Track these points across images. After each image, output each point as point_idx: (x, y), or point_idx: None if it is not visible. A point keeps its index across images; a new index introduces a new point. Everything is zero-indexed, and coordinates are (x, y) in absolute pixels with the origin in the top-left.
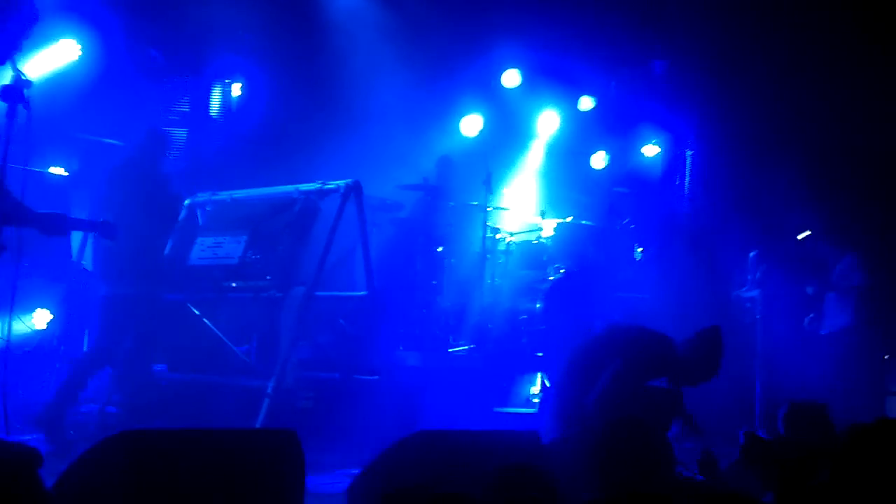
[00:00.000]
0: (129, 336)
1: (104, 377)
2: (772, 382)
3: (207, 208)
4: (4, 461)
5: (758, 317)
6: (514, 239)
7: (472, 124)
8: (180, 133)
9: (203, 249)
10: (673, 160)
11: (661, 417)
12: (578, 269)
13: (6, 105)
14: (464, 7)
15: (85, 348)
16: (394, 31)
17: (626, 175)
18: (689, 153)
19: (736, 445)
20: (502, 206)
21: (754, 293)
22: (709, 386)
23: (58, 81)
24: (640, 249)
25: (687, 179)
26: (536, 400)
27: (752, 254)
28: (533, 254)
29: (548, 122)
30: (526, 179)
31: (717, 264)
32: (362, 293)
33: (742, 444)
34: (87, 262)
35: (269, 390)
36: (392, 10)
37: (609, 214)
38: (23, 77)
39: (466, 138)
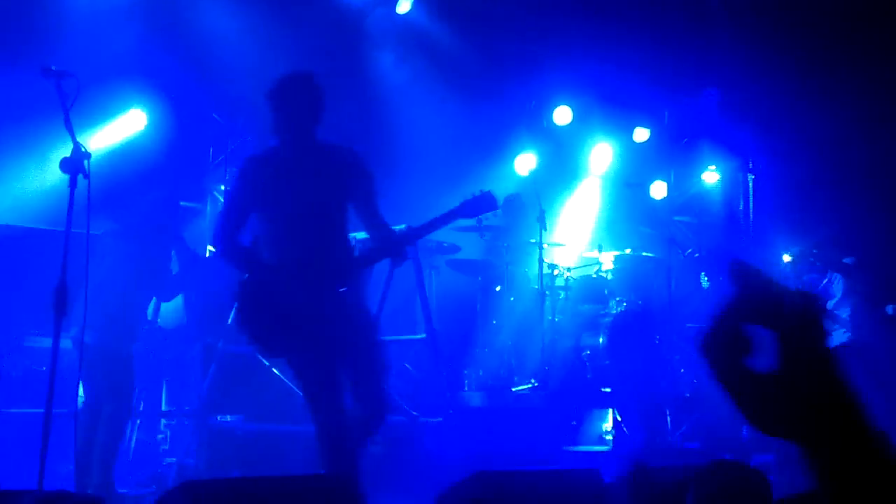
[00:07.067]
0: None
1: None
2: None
3: None
4: None
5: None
6: (572, 274)
7: (525, 163)
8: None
9: None
10: (734, 185)
11: None
12: (643, 301)
13: (68, 175)
14: (511, 42)
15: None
16: (440, 72)
17: (687, 204)
18: (750, 177)
19: None
20: (557, 241)
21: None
22: None
23: (126, 150)
24: (706, 278)
25: (750, 204)
26: (609, 437)
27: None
28: (593, 288)
29: (602, 156)
30: (581, 214)
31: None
32: (422, 336)
33: None
34: (161, 320)
35: None
36: (437, 51)
37: (671, 244)
38: (82, 149)
39: (519, 176)
